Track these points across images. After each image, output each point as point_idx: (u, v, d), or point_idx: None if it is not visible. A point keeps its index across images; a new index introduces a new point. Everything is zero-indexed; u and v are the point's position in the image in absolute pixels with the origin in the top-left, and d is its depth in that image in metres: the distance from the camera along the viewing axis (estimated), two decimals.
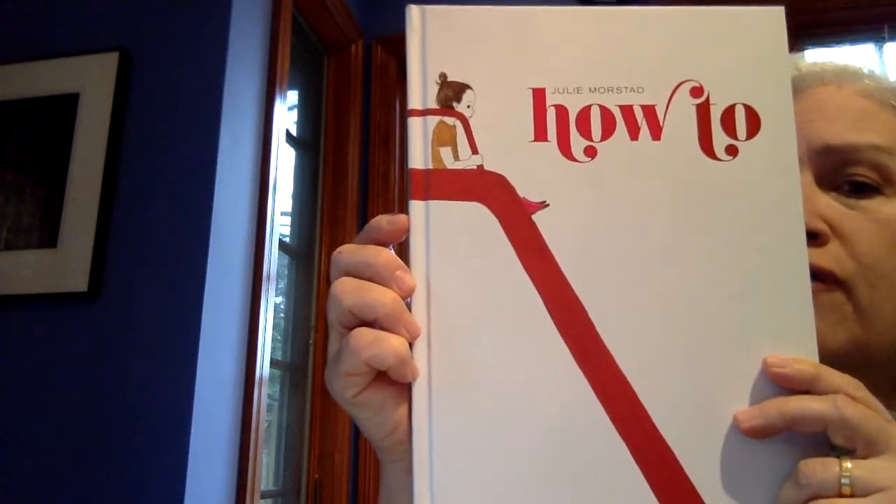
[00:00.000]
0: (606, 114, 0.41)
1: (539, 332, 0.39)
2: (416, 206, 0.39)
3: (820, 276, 0.49)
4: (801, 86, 0.55)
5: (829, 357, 0.45)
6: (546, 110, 0.41)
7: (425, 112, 0.40)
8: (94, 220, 1.47)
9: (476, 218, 0.39)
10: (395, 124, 2.24)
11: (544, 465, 0.38)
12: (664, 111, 0.41)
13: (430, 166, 0.40)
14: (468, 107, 0.40)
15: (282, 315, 2.02)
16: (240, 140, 1.59)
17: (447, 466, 0.37)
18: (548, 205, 0.40)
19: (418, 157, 0.40)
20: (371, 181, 2.19)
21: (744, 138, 0.41)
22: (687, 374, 0.39)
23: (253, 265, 1.60)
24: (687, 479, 0.37)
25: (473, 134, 0.40)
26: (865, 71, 0.56)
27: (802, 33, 2.10)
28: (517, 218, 0.39)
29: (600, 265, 0.39)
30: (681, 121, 0.41)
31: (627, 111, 0.41)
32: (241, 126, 1.60)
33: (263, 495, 1.75)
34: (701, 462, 0.37)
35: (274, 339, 1.73)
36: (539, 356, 0.38)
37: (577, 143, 0.40)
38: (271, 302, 1.64)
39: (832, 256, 0.49)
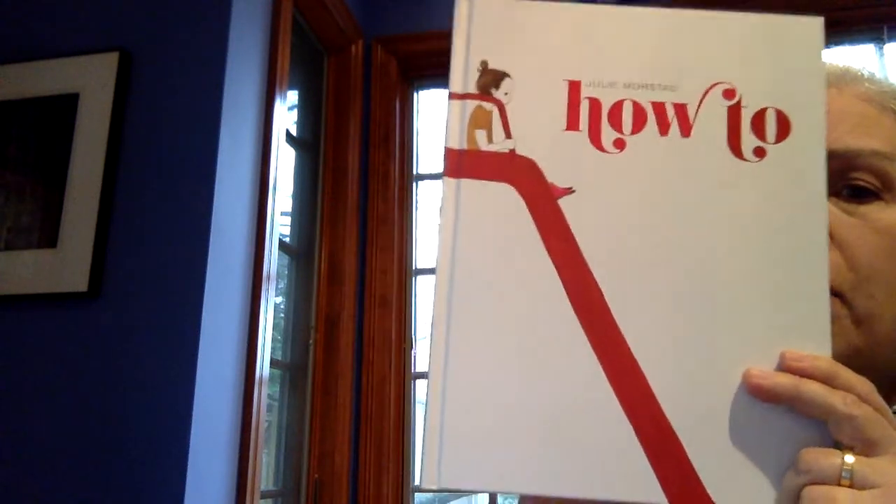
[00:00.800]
0: (638, 109, 0.42)
1: (556, 312, 0.40)
2: (448, 182, 0.41)
3: None
4: None
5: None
6: (580, 102, 0.42)
7: (465, 96, 0.42)
8: (94, 220, 1.47)
9: (504, 198, 0.41)
10: (394, 124, 2.24)
11: (549, 435, 0.39)
12: (695, 110, 0.42)
13: (465, 147, 0.42)
14: (505, 94, 0.42)
15: (282, 315, 2.02)
16: (240, 140, 1.59)
17: (457, 419, 0.39)
18: (574, 191, 0.41)
19: (455, 138, 0.42)
20: (371, 181, 2.19)
21: (773, 141, 0.42)
22: (698, 365, 0.39)
23: (253, 265, 1.60)
24: (689, 462, 0.38)
25: (508, 119, 0.42)
26: (865, 74, 0.55)
27: None
28: (543, 201, 0.41)
29: (621, 252, 0.41)
30: (711, 120, 0.42)
31: (659, 108, 0.42)
32: (241, 126, 1.60)
33: (263, 495, 1.75)
34: (704, 449, 0.38)
35: (274, 339, 1.73)
36: (554, 333, 0.40)
37: (608, 134, 0.42)
38: (271, 302, 1.64)
39: (832, 267, 0.48)
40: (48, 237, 1.49)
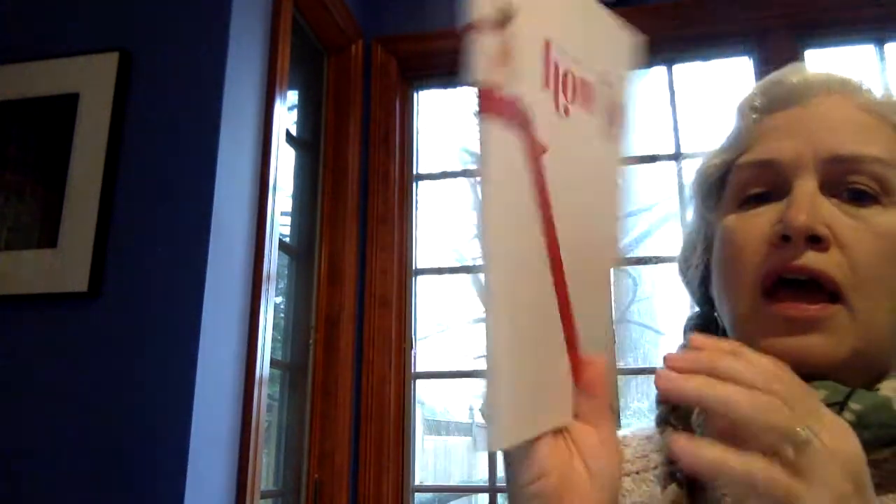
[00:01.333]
0: (574, 81, 0.46)
1: (544, 275, 0.44)
2: (486, 120, 0.40)
3: (824, 282, 0.51)
4: (808, 93, 0.57)
5: (835, 365, 0.51)
6: (550, 63, 0.44)
7: (488, 28, 0.40)
8: (94, 220, 1.47)
9: (516, 145, 0.42)
10: (394, 124, 2.23)
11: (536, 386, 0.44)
12: (597, 91, 0.48)
13: (494, 85, 0.41)
14: (512, 36, 0.42)
15: (282, 315, 2.02)
16: (240, 140, 1.59)
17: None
18: (547, 151, 0.44)
19: (486, 72, 0.40)
20: (371, 181, 2.19)
21: (617, 131, 0.49)
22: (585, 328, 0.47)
23: (253, 265, 1.60)
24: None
25: (515, 63, 0.42)
26: (864, 85, 0.58)
27: (802, 33, 2.10)
28: (534, 156, 0.44)
29: (564, 217, 0.45)
30: (601, 103, 0.48)
31: (583, 84, 0.47)
32: (241, 126, 1.60)
33: (263, 495, 1.75)
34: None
35: (274, 339, 1.73)
36: (535, 256, 0.44)
37: (560, 100, 0.45)
38: (271, 302, 1.64)
39: (835, 264, 0.51)
40: (48, 237, 1.49)
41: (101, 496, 1.34)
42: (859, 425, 0.49)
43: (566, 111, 0.44)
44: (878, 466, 0.51)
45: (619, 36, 0.50)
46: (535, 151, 0.42)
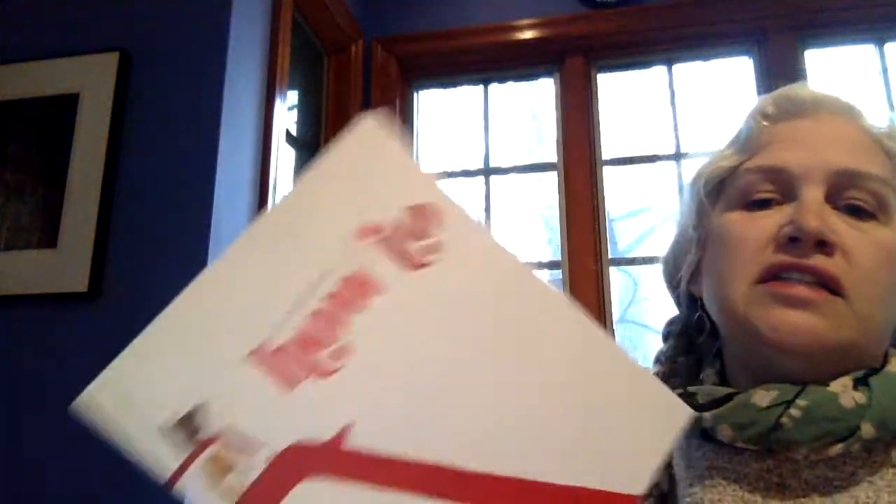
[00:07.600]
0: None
1: None
2: None
3: (828, 282, 0.54)
4: (817, 109, 0.61)
5: (828, 349, 0.54)
6: None
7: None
8: (94, 220, 1.47)
9: None
10: (394, 124, 2.23)
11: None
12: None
13: None
14: None
15: None
16: (240, 140, 1.59)
17: None
18: None
19: None
20: None
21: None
22: None
23: None
24: None
25: None
26: (865, 113, 0.62)
27: (803, 33, 2.10)
28: None
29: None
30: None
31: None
32: (241, 126, 1.60)
33: None
34: None
35: None
36: None
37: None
38: None
39: (840, 267, 0.55)
40: (48, 237, 1.49)
41: (100, 497, 1.34)
42: (807, 420, 0.52)
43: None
44: (837, 469, 0.53)
45: None
46: None
